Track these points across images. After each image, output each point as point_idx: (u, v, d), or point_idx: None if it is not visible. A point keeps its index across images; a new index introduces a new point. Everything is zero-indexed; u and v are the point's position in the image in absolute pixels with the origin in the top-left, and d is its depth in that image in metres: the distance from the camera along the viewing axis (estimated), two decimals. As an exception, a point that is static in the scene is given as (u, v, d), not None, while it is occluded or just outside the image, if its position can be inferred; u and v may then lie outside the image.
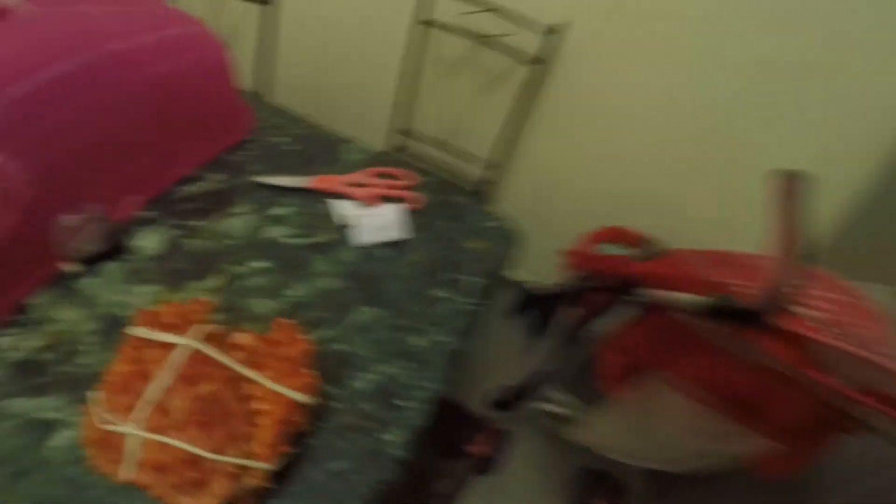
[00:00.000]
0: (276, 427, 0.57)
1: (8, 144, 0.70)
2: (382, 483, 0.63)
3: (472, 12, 1.40)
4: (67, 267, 0.78)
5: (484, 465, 1.47)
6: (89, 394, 0.60)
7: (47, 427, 0.62)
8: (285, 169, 0.95)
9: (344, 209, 0.89)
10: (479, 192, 1.68)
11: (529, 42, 1.37)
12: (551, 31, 1.33)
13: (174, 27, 0.86)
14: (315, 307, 0.77)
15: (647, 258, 1.17)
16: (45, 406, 0.65)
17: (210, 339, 0.61)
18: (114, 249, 0.80)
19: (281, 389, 0.58)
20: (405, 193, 0.94)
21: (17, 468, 0.59)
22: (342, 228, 0.87)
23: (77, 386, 0.65)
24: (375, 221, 0.87)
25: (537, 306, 1.76)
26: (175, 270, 0.79)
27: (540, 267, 1.83)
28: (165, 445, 0.54)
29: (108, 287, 0.77)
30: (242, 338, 0.63)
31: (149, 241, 0.82)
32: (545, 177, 1.70)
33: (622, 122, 1.47)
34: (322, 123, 1.07)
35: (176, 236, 0.83)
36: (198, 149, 0.93)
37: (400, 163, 1.00)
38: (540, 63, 1.39)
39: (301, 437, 0.62)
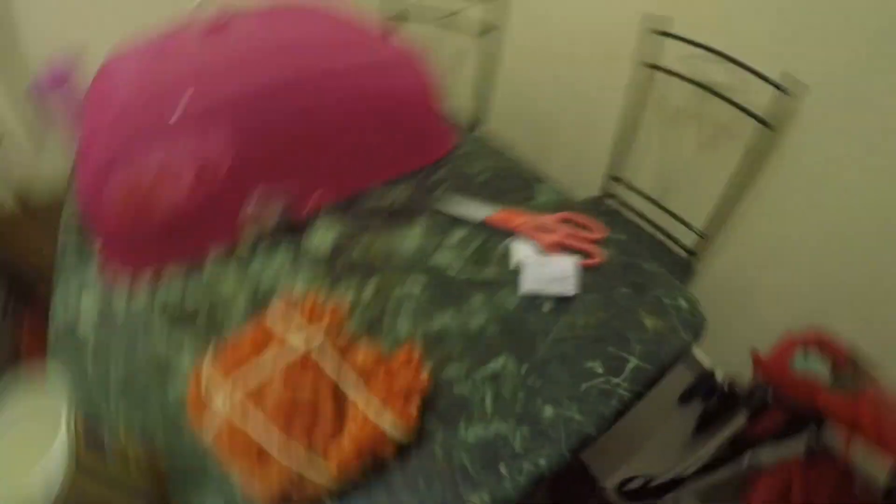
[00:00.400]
0: (355, 454, 0.56)
1: (225, 128, 0.77)
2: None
3: (695, 56, 1.27)
4: (245, 241, 0.83)
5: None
6: (207, 354, 0.63)
7: (176, 373, 0.70)
8: (473, 197, 0.92)
9: (520, 251, 0.83)
10: (682, 259, 1.52)
11: (761, 98, 1.20)
12: (786, 88, 1.15)
13: (387, 51, 0.89)
14: (455, 344, 0.73)
15: (847, 390, 0.95)
16: (181, 355, 0.72)
17: (331, 344, 0.62)
18: (290, 237, 0.84)
19: (376, 420, 0.58)
20: (589, 247, 0.85)
21: (140, 398, 0.67)
22: (512, 271, 0.81)
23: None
24: (548, 272, 0.80)
25: (714, 400, 1.57)
26: (337, 271, 0.80)
27: (732, 356, 1.62)
28: (241, 431, 0.56)
29: (273, 269, 0.81)
30: (362, 356, 0.63)
31: (322, 238, 0.84)
32: (756, 255, 1.47)
33: (858, 206, 1.20)
34: (529, 158, 1.03)
35: (348, 240, 0.84)
36: (392, 164, 0.94)
37: (597, 213, 0.91)
38: (768, 124, 1.21)
39: (383, 465, 0.60)
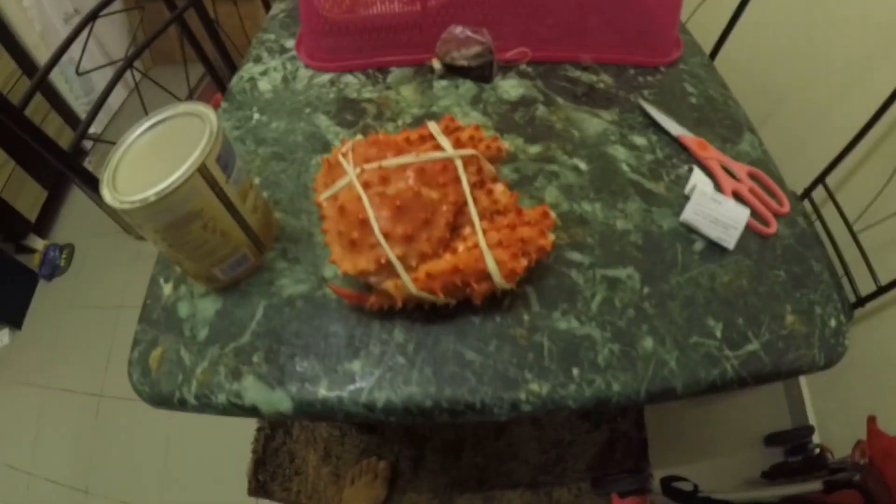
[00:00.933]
0: (448, 273, 0.55)
1: None
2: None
3: None
4: (437, 63, 0.83)
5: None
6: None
7: (324, 147, 0.76)
8: (675, 115, 0.86)
9: (699, 180, 0.78)
10: (845, 301, 1.38)
11: None
12: None
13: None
14: (593, 233, 0.71)
15: None
16: (335, 134, 0.77)
17: (477, 166, 0.62)
18: (480, 76, 0.83)
19: (487, 256, 0.56)
20: (768, 213, 0.78)
21: (281, 154, 0.72)
22: (682, 196, 0.77)
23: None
24: (717, 212, 0.74)
25: (798, 459, 1.46)
26: (511, 121, 0.79)
27: (840, 425, 1.50)
28: (357, 200, 0.56)
29: (453, 97, 0.81)
30: (500, 192, 0.61)
31: (510, 88, 0.83)
32: None
33: None
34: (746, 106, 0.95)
35: (535, 99, 0.82)
36: (608, 47, 0.90)
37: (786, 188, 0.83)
38: None
39: (467, 307, 0.60)
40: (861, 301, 1.34)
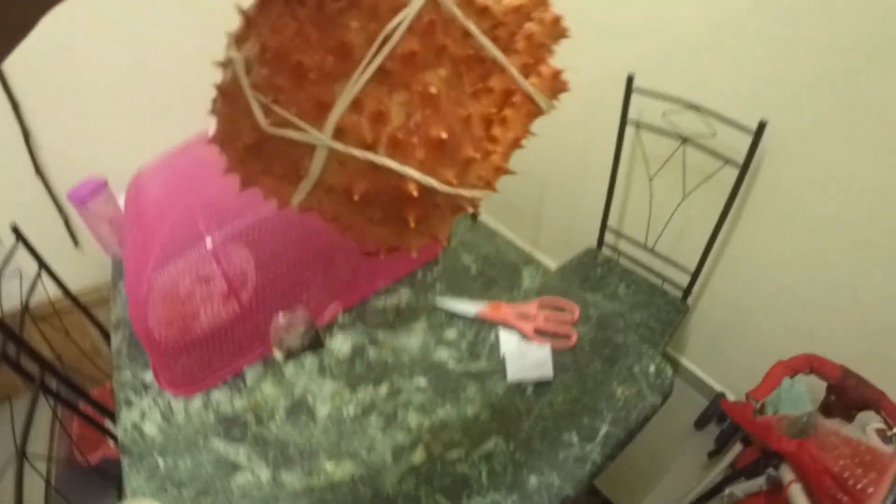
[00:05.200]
0: (513, 146, 0.46)
1: (241, 256, 1.04)
2: None
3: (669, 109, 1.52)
4: (277, 354, 1.09)
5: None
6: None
7: (234, 468, 0.94)
8: (466, 291, 1.16)
9: (506, 341, 1.08)
10: (676, 299, 1.77)
11: (738, 140, 1.47)
12: (751, 130, 1.41)
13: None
14: (456, 430, 0.96)
15: (797, 433, 1.20)
16: (235, 452, 0.97)
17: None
18: (314, 345, 1.10)
19: (528, 87, 0.45)
20: (566, 329, 1.09)
21: (203, 489, 0.91)
22: (500, 361, 1.06)
23: (264, 445, 0.96)
24: (528, 361, 1.03)
25: (728, 422, 1.82)
26: (355, 374, 1.05)
27: (740, 378, 1.88)
28: (377, 170, 0.38)
29: (304, 375, 1.06)
30: None
31: (341, 345, 1.09)
32: (747, 283, 1.73)
33: (830, 232, 1.46)
34: (526, 215, 1.29)
35: (363, 343, 1.09)
36: (396, 266, 1.19)
37: (593, 264, 1.16)
38: (739, 164, 1.48)
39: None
40: (686, 292, 1.74)
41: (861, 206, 1.35)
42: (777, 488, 1.26)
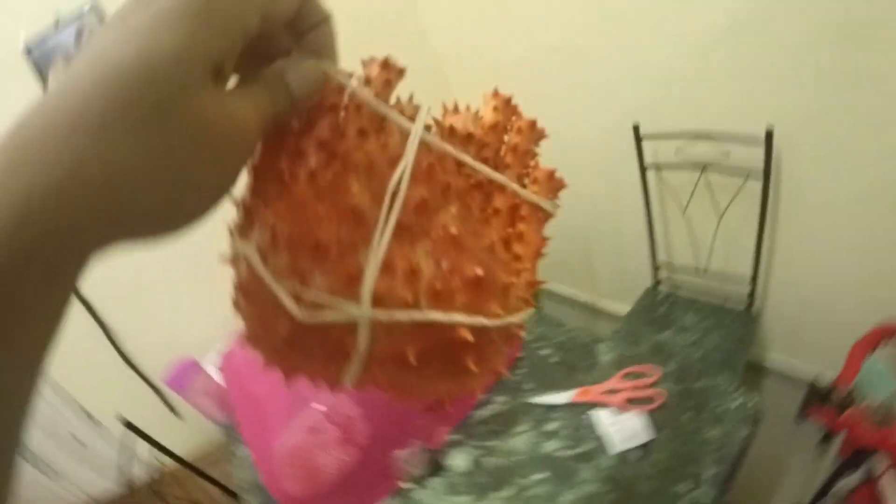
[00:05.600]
0: (537, 256, 0.46)
1: (356, 406, 1.18)
2: None
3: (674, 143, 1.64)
4: (405, 484, 1.22)
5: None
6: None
7: None
8: (553, 383, 1.28)
9: (602, 419, 1.19)
10: (741, 311, 1.85)
11: (752, 153, 1.59)
12: (761, 139, 1.54)
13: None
14: None
15: (882, 421, 1.26)
16: None
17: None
18: (436, 469, 1.22)
19: (532, 196, 0.47)
20: (650, 392, 1.20)
21: None
22: (601, 437, 1.17)
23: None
24: (625, 429, 1.14)
25: (831, 401, 1.86)
26: (477, 484, 1.17)
27: (831, 359, 1.93)
28: (426, 327, 0.36)
29: (433, 497, 1.19)
30: (462, 123, 0.44)
31: (459, 462, 1.22)
32: (805, 272, 1.82)
33: (867, 200, 1.56)
34: (577, 275, 1.40)
35: (478, 455, 1.22)
36: (489, 378, 1.32)
37: (654, 302, 1.27)
38: (760, 173, 1.60)
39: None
40: (750, 301, 1.83)
41: (883, 167, 1.46)
42: (875, 480, 1.32)
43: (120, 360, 2.17)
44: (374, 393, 1.09)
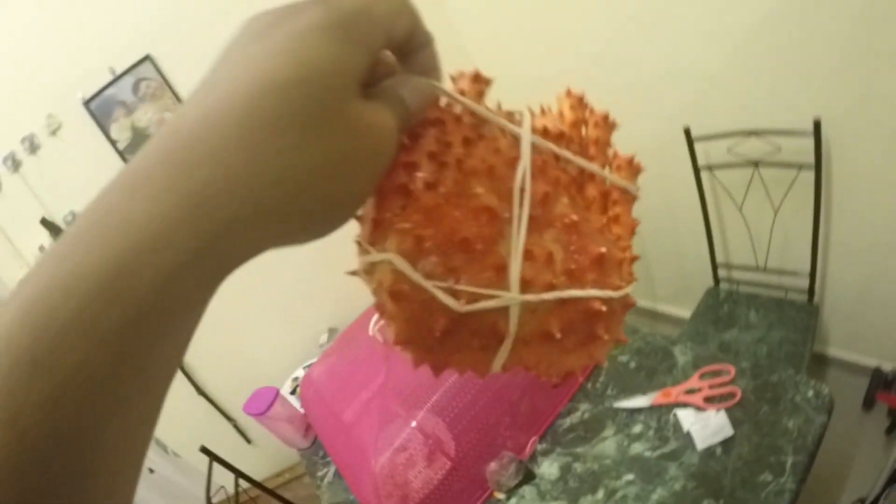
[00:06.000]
0: (632, 235, 0.49)
1: (443, 421, 1.24)
2: None
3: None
4: (499, 495, 1.27)
5: None
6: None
7: None
8: (634, 388, 1.33)
9: (685, 418, 1.24)
10: (803, 304, 1.88)
11: (802, 146, 1.63)
12: (810, 132, 1.58)
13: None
14: None
15: None
16: None
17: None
18: (528, 478, 1.28)
19: (621, 181, 0.50)
20: (729, 389, 1.24)
21: None
22: (686, 435, 1.22)
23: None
24: (710, 426, 1.19)
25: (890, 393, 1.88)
26: (567, 489, 1.23)
27: (892, 349, 1.96)
28: (566, 303, 0.40)
29: (528, 501, 1.24)
30: (551, 123, 0.47)
31: (550, 470, 1.27)
32: (863, 260, 1.85)
33: None
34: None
35: (568, 462, 1.27)
36: (568, 387, 1.38)
37: (717, 300, 1.32)
38: (812, 165, 1.64)
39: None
40: (811, 293, 1.86)
41: None
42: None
43: (192, 390, 2.26)
44: (463, 410, 1.14)
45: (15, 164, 1.94)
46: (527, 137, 0.41)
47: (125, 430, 0.24)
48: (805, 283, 1.87)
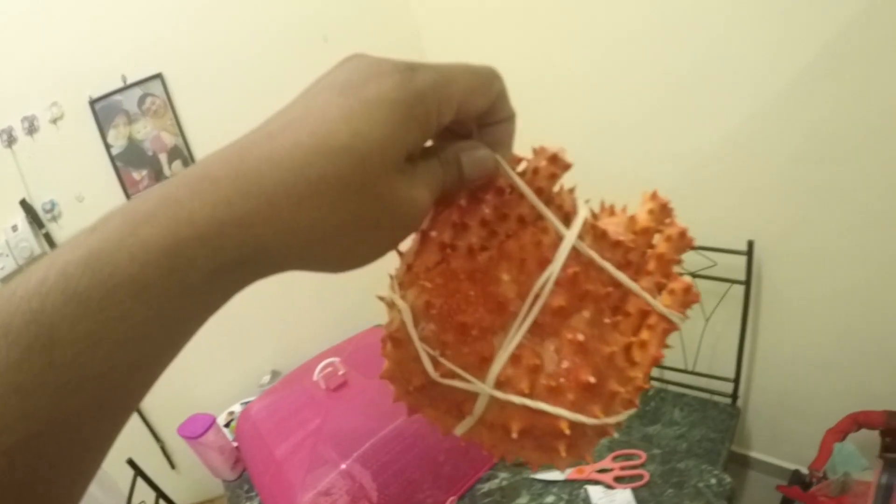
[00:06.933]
0: (652, 364, 0.47)
1: (369, 471, 1.33)
2: None
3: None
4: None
5: None
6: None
7: None
8: (551, 460, 1.44)
9: (594, 493, 1.34)
10: (726, 405, 2.03)
11: (735, 262, 1.81)
12: (743, 250, 1.77)
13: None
14: None
15: (838, 493, 1.46)
16: None
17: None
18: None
19: (663, 309, 0.47)
20: (638, 472, 1.36)
21: None
22: (595, 512, 1.33)
23: None
24: (614, 503, 1.31)
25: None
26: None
27: (808, 452, 2.07)
28: (533, 412, 0.40)
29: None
30: (614, 227, 0.46)
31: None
32: (785, 369, 2.03)
33: (841, 301, 1.78)
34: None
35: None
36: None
37: (645, 399, 1.43)
38: (743, 280, 1.83)
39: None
40: (734, 397, 2.01)
41: (855, 273, 1.70)
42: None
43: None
44: (389, 462, 1.24)
45: (10, 140, 1.96)
46: (567, 243, 0.41)
47: (133, 391, 0.29)
48: (730, 387, 2.02)
